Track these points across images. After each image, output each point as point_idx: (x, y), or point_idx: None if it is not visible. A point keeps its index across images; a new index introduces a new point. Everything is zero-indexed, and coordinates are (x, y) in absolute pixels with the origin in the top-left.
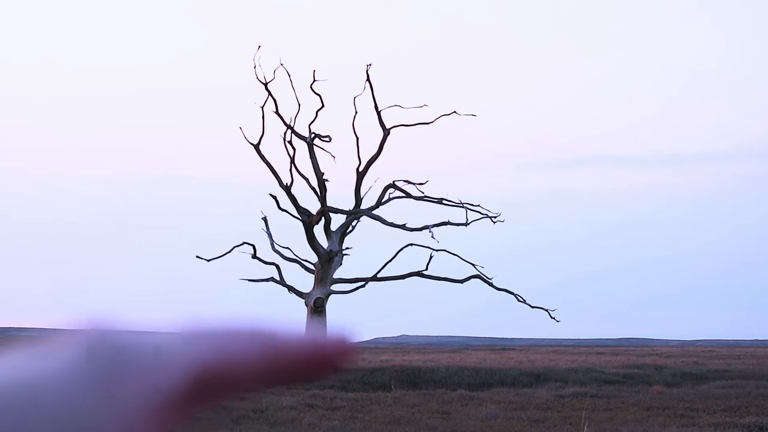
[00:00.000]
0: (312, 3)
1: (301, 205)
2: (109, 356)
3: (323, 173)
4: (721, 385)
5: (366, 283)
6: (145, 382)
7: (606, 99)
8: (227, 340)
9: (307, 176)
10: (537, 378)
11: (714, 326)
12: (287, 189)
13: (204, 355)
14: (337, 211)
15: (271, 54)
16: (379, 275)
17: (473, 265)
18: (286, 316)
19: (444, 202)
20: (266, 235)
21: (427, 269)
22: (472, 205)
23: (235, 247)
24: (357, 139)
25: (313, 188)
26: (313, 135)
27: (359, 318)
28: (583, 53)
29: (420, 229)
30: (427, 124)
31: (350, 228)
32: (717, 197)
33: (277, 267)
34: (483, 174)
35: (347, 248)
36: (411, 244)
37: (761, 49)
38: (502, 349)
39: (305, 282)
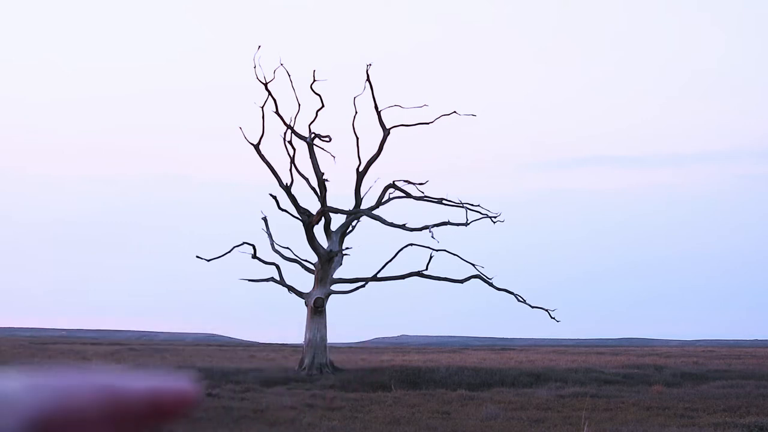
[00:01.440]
0: (312, 3)
1: (301, 205)
2: None
3: (323, 173)
4: (721, 385)
5: (366, 283)
6: None
7: (606, 99)
8: (67, 390)
9: (307, 176)
10: (537, 378)
11: (714, 326)
12: (287, 189)
13: (43, 403)
14: (337, 211)
15: (271, 54)
16: (379, 275)
17: (473, 265)
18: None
19: (444, 202)
20: (266, 235)
21: (427, 269)
22: (472, 205)
23: (235, 247)
24: (357, 139)
25: (313, 188)
26: (313, 135)
27: (359, 318)
28: (583, 53)
29: (420, 229)
30: (427, 124)
31: (350, 228)
32: (717, 197)
33: (277, 267)
34: (483, 174)
35: (347, 248)
36: (411, 244)
37: (761, 49)
38: (502, 349)
39: (305, 282)
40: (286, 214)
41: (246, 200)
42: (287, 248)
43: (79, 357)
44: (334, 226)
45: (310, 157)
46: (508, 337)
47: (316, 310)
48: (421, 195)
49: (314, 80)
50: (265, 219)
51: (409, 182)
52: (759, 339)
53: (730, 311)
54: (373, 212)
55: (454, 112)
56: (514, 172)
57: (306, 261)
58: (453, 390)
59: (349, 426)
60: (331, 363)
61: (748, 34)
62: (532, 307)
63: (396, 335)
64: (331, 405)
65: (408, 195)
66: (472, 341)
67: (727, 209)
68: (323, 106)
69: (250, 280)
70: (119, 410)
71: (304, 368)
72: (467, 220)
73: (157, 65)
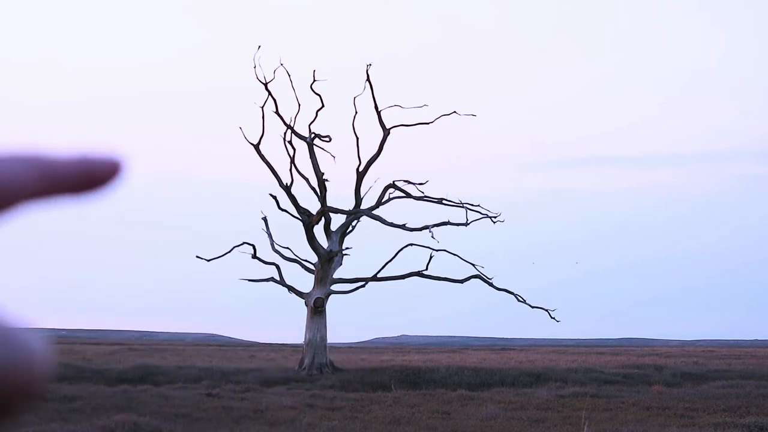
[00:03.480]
0: (312, 3)
1: (301, 205)
2: None
3: (323, 173)
4: (721, 385)
5: (366, 283)
6: None
7: (606, 99)
8: None
9: (307, 176)
10: (537, 378)
11: (714, 326)
12: (287, 189)
13: None
14: (337, 211)
15: (271, 54)
16: (379, 275)
17: (473, 265)
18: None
19: (444, 202)
20: (266, 235)
21: (427, 269)
22: (472, 205)
23: (235, 247)
24: (357, 139)
25: (313, 188)
26: (313, 135)
27: (359, 318)
28: (583, 53)
29: (420, 229)
30: (427, 124)
31: (350, 228)
32: (717, 197)
33: (277, 267)
34: (483, 174)
35: (347, 248)
36: (411, 244)
37: (761, 49)
38: (502, 349)
39: (305, 282)
40: (286, 214)
41: (246, 200)
42: (287, 248)
43: (80, 357)
44: (334, 226)
45: (310, 157)
46: (508, 337)
47: (316, 310)
48: (421, 195)
49: (314, 80)
50: (265, 219)
51: (409, 182)
52: (759, 339)
53: (730, 311)
54: (373, 212)
55: (454, 112)
56: (514, 172)
57: (306, 261)
58: (453, 390)
59: (349, 426)
60: (331, 363)
61: (748, 34)
62: (532, 307)
63: (396, 335)
64: (331, 405)
65: (408, 195)
66: (472, 341)
67: (727, 209)
68: (323, 106)
69: (250, 280)
70: (48, 178)
71: (304, 368)
72: (467, 220)
73: (157, 65)
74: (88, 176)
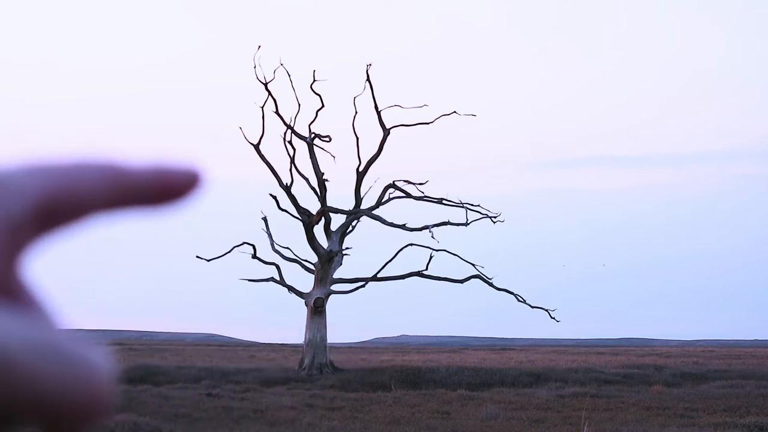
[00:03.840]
0: (312, 3)
1: (301, 205)
2: None
3: (323, 173)
4: (721, 385)
5: (366, 283)
6: None
7: (606, 99)
8: (71, 169)
9: (307, 176)
10: (537, 378)
11: (714, 326)
12: (287, 189)
13: (44, 183)
14: (337, 211)
15: (271, 54)
16: (379, 275)
17: (473, 265)
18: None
19: (444, 202)
20: (266, 235)
21: (427, 269)
22: (472, 205)
23: (235, 247)
24: (357, 139)
25: (313, 188)
26: (313, 135)
27: (359, 318)
28: (583, 53)
29: (420, 229)
30: (427, 124)
31: (350, 228)
32: (717, 197)
33: (277, 267)
34: (483, 174)
35: (347, 248)
36: (411, 244)
37: (761, 49)
38: (502, 349)
39: (305, 282)
40: (286, 214)
41: (246, 200)
42: (287, 248)
43: None
44: (334, 226)
45: (310, 157)
46: (508, 337)
47: (316, 310)
48: (421, 195)
49: (314, 80)
50: (265, 219)
51: (409, 182)
52: (759, 339)
53: (730, 311)
54: (373, 212)
55: (454, 112)
56: (514, 172)
57: (306, 261)
58: (453, 390)
59: (349, 426)
60: (331, 363)
61: (748, 34)
62: (532, 307)
63: (396, 335)
64: (331, 405)
65: (408, 195)
66: (472, 341)
67: (727, 209)
68: (323, 106)
69: (250, 280)
70: (123, 188)
71: (304, 368)
72: (467, 220)
73: (157, 65)
74: (165, 187)
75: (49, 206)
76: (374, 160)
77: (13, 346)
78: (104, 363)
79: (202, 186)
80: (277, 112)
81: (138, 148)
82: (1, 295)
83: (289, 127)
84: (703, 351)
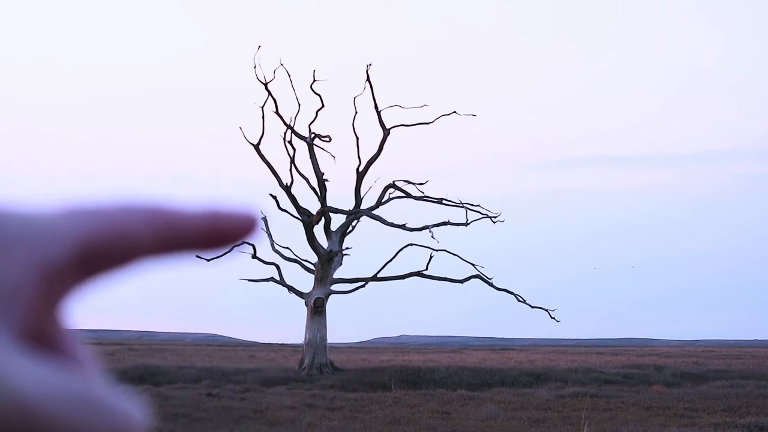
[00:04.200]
0: (312, 3)
1: (301, 205)
2: None
3: (323, 173)
4: (721, 385)
5: (366, 283)
6: (27, 257)
7: (606, 99)
8: (114, 214)
9: (307, 176)
10: (537, 378)
11: (714, 326)
12: (287, 189)
13: (88, 228)
14: (337, 211)
15: (271, 54)
16: (379, 275)
17: (473, 265)
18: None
19: (444, 202)
20: (266, 235)
21: (427, 269)
22: (472, 205)
23: (234, 247)
24: (357, 139)
25: (313, 188)
26: (313, 135)
27: (359, 318)
28: (583, 53)
29: (420, 229)
30: (427, 124)
31: (350, 228)
32: (717, 197)
33: (277, 267)
34: (483, 174)
35: (347, 248)
36: (411, 244)
37: (761, 49)
38: (502, 349)
39: (305, 282)
40: (286, 214)
41: (246, 200)
42: (287, 248)
43: None
44: (334, 226)
45: (310, 157)
46: (508, 337)
47: (316, 310)
48: (421, 195)
49: (314, 80)
50: (265, 219)
51: (409, 182)
52: (759, 339)
53: (730, 311)
54: (373, 212)
55: (454, 112)
56: (514, 172)
57: (306, 261)
58: (453, 390)
59: (349, 426)
60: (331, 363)
61: (748, 34)
62: (532, 307)
63: (396, 335)
64: (331, 405)
65: (408, 195)
66: (472, 341)
67: (727, 209)
68: (323, 106)
69: (250, 280)
70: (171, 234)
71: (304, 368)
72: (467, 220)
73: (157, 65)
74: (217, 234)
75: (91, 251)
76: (374, 160)
77: (38, 394)
78: (138, 414)
79: (256, 232)
80: (277, 112)
81: (138, 148)
82: (35, 340)
83: (289, 127)
84: (703, 351)
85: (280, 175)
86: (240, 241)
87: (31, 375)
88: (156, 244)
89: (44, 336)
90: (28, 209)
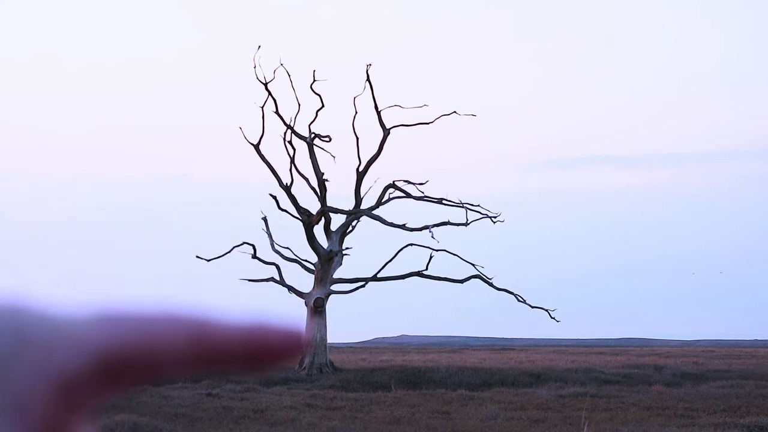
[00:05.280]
0: (312, 3)
1: (301, 205)
2: (4, 336)
3: (323, 173)
4: (721, 385)
5: (366, 283)
6: (43, 364)
7: (605, 99)
8: (145, 324)
9: (307, 176)
10: (537, 378)
11: (714, 326)
12: (287, 189)
13: (114, 338)
14: (337, 211)
15: (271, 54)
16: (379, 275)
17: (473, 265)
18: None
19: (444, 202)
20: (266, 235)
21: (427, 269)
22: (472, 205)
23: (235, 247)
24: (357, 139)
25: (313, 188)
26: (313, 135)
27: (359, 318)
28: (583, 53)
29: (420, 229)
30: (427, 124)
31: (350, 228)
32: (717, 197)
33: (277, 267)
34: (483, 174)
35: (347, 248)
36: (411, 244)
37: (760, 49)
38: (502, 349)
39: (305, 282)
40: (286, 214)
41: (246, 200)
42: (287, 248)
43: None
44: (334, 226)
45: (310, 157)
46: (508, 337)
47: (316, 310)
48: (421, 195)
49: (314, 80)
50: (265, 219)
51: (409, 182)
52: (759, 339)
53: (730, 311)
54: (373, 212)
55: (454, 112)
56: (514, 172)
57: (306, 261)
58: (453, 390)
59: (349, 426)
60: (331, 363)
61: (747, 34)
62: (532, 307)
63: (396, 335)
64: (331, 405)
65: (408, 195)
66: (472, 341)
67: (727, 209)
68: (323, 106)
69: (250, 280)
70: (207, 350)
71: (304, 368)
72: (467, 220)
73: (156, 65)
74: (259, 353)
75: (116, 362)
76: (374, 160)
77: None
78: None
79: (300, 351)
80: (277, 112)
81: (138, 148)
82: None
83: (289, 127)
84: (703, 351)
85: (280, 175)
86: (282, 361)
87: None
88: (192, 358)
89: None
90: (51, 311)
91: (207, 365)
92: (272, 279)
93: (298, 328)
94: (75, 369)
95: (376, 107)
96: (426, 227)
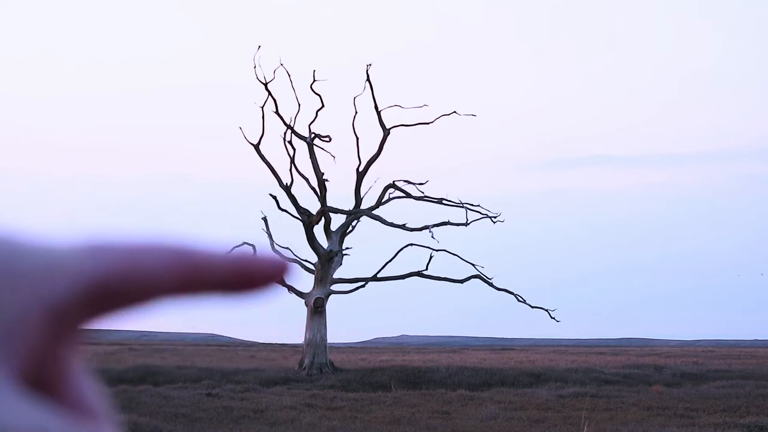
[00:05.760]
0: (312, 3)
1: (301, 205)
2: None
3: (323, 173)
4: (721, 385)
5: (366, 283)
6: (32, 293)
7: (605, 99)
8: (132, 252)
9: (307, 176)
10: (537, 378)
11: (714, 326)
12: (287, 189)
13: (102, 266)
14: (337, 211)
15: (271, 54)
16: (379, 275)
17: (473, 265)
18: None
19: (444, 202)
20: (266, 235)
21: (427, 269)
22: (472, 205)
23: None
24: (357, 139)
25: (313, 188)
26: (313, 135)
27: (359, 318)
28: (583, 53)
29: (420, 229)
30: (427, 124)
31: (350, 228)
32: (717, 197)
33: None
34: (483, 174)
35: (347, 248)
36: (411, 244)
37: (761, 49)
38: (502, 349)
39: (305, 282)
40: (286, 214)
41: (246, 200)
42: (287, 248)
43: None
44: (334, 226)
45: (310, 157)
46: (508, 337)
47: (316, 310)
48: (421, 195)
49: (314, 80)
50: (265, 219)
51: (409, 182)
52: (759, 339)
53: (730, 311)
54: (373, 212)
55: (454, 112)
56: (514, 172)
57: (306, 261)
58: (453, 390)
59: (349, 426)
60: (331, 363)
61: (747, 34)
62: (532, 307)
63: (396, 335)
64: (331, 405)
65: (408, 195)
66: (472, 341)
67: (727, 209)
68: (323, 106)
69: None
70: (193, 276)
71: (304, 368)
72: (467, 220)
73: (156, 65)
74: (244, 279)
75: (105, 289)
76: (374, 160)
77: None
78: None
79: (287, 276)
80: (277, 112)
81: (138, 148)
82: (38, 380)
83: (289, 127)
84: (703, 351)
85: (280, 175)
86: (267, 288)
87: (20, 418)
88: (178, 285)
89: (49, 376)
90: (39, 242)
91: (194, 291)
92: None
93: (282, 259)
94: (63, 297)
95: (376, 107)
96: (426, 227)
